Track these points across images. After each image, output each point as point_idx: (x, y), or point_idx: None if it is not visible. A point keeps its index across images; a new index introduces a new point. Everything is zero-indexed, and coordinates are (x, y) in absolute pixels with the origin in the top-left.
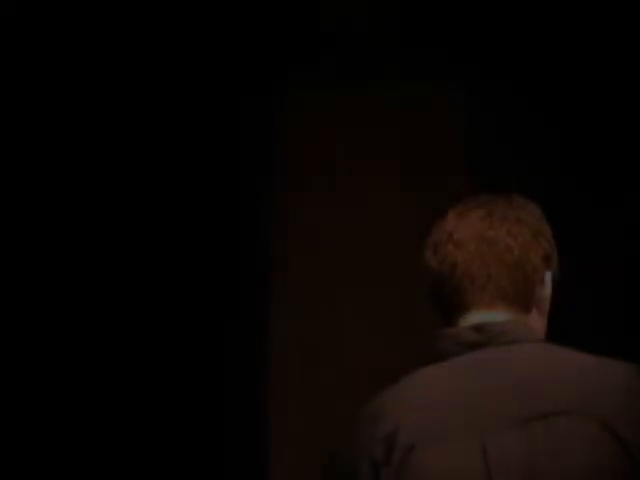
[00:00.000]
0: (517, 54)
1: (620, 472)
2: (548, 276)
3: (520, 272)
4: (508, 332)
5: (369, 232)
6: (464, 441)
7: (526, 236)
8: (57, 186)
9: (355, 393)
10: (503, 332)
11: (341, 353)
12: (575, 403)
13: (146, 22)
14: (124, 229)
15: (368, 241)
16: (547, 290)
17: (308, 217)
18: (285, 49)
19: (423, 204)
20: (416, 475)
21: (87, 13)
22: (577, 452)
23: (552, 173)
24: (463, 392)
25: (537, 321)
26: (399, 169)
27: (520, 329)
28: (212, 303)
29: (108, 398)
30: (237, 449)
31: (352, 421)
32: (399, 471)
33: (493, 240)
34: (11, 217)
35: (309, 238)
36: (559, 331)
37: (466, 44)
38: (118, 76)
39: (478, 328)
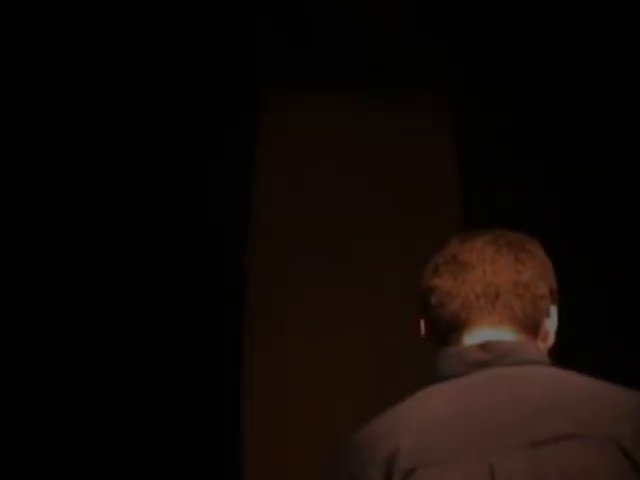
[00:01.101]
0: (507, 56)
1: None
2: (554, 310)
3: (529, 297)
4: (517, 352)
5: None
6: (469, 463)
7: (535, 266)
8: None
9: (330, 407)
10: (511, 352)
11: (313, 374)
12: (586, 426)
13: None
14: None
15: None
16: (553, 323)
17: (278, 231)
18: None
19: (408, 227)
20: None
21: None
22: (590, 475)
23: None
24: (468, 413)
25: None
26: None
27: (529, 350)
28: (179, 316)
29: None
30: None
31: (342, 445)
32: None
33: (502, 263)
34: None
35: (280, 249)
36: (575, 334)
37: (453, 45)
38: (116, 75)
39: (484, 346)
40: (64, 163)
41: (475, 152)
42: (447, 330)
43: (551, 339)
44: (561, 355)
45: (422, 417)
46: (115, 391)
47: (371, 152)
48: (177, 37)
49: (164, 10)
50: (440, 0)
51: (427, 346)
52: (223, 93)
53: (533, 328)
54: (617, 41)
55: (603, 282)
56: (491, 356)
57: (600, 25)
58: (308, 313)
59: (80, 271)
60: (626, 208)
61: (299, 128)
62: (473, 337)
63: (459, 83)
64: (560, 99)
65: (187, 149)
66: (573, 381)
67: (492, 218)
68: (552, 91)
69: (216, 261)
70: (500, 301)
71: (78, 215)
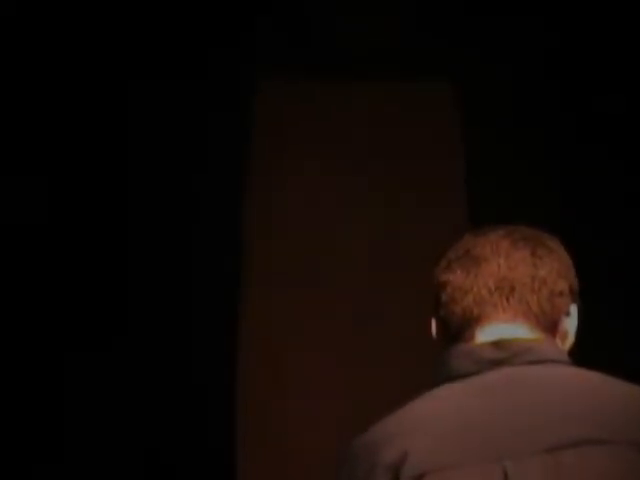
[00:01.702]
0: (507, 56)
1: None
2: (574, 309)
3: (546, 293)
4: (533, 350)
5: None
6: (481, 468)
7: (554, 262)
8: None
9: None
10: (527, 350)
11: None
12: (608, 431)
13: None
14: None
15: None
16: (573, 323)
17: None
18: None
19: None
20: None
21: None
22: None
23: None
24: (480, 415)
25: None
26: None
27: (547, 348)
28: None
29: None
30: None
31: (345, 450)
32: None
33: (517, 257)
34: None
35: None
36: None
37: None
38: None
39: (497, 344)
40: (64, 157)
41: (479, 148)
42: (458, 327)
43: (570, 340)
44: (576, 355)
45: (431, 420)
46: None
47: (371, 144)
48: (178, 35)
49: (165, 8)
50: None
51: (427, 345)
52: (222, 87)
53: (551, 326)
54: (617, 39)
55: (618, 282)
56: (505, 354)
57: (600, 24)
58: (306, 313)
59: (69, 274)
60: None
61: (298, 120)
62: (486, 334)
63: (459, 81)
64: (561, 98)
65: (182, 142)
66: (593, 382)
67: (499, 215)
68: (552, 90)
69: (208, 252)
70: (515, 296)
71: (68, 204)
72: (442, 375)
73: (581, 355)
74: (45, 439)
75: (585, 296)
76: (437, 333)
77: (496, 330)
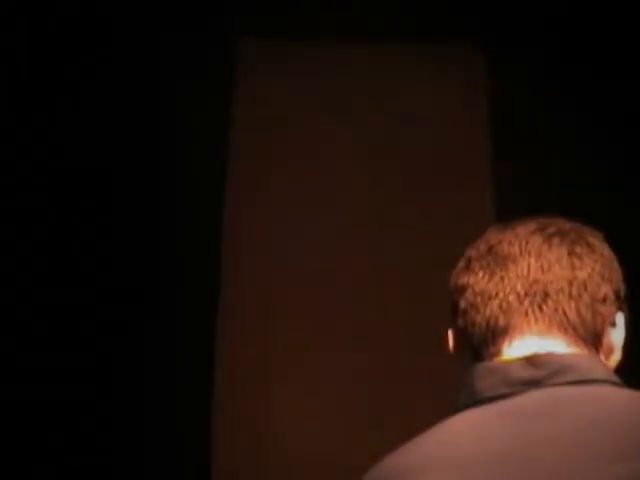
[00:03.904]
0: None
1: None
2: (621, 319)
3: (587, 299)
4: (576, 368)
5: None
6: None
7: (596, 262)
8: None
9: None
10: (569, 367)
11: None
12: None
13: None
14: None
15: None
16: (620, 335)
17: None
18: None
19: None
20: None
21: None
22: None
23: None
24: (515, 448)
25: None
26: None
27: (592, 365)
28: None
29: None
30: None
31: None
32: None
33: (552, 257)
34: None
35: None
36: None
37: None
38: None
39: (531, 360)
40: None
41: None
42: (481, 340)
43: (617, 355)
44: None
45: (456, 452)
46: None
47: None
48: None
49: None
50: None
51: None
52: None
53: (592, 339)
54: None
55: None
56: (542, 373)
57: None
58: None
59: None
60: None
61: (286, 80)
62: (515, 349)
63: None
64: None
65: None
66: None
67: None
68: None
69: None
70: (549, 303)
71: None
72: (464, 398)
73: (630, 373)
74: None
75: (635, 302)
76: (455, 347)
77: (527, 345)
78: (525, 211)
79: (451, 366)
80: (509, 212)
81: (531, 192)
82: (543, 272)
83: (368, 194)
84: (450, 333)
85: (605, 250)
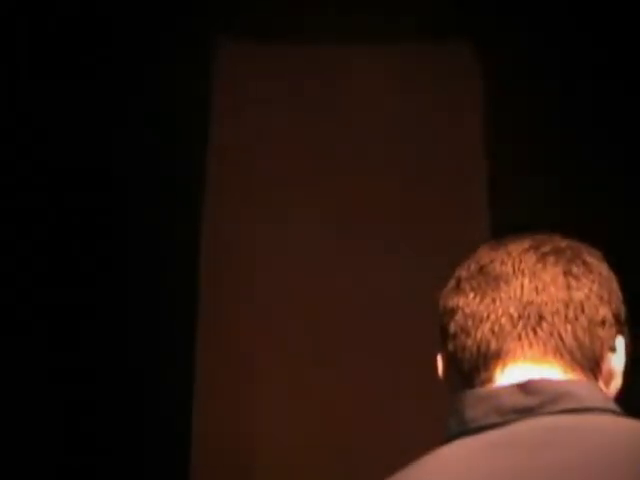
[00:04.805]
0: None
1: None
2: (621, 343)
3: (585, 322)
4: (572, 396)
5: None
6: None
7: (594, 282)
8: None
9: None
10: (565, 395)
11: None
12: None
13: None
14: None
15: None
16: (620, 360)
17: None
18: None
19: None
20: None
21: None
22: None
23: None
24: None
25: None
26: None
27: (589, 393)
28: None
29: None
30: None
31: None
32: None
33: (546, 277)
34: None
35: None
36: None
37: None
38: None
39: (524, 387)
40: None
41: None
42: (472, 366)
43: (617, 381)
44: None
45: None
46: None
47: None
48: None
49: None
50: None
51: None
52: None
53: (590, 365)
54: None
55: None
56: (536, 400)
57: None
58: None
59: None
60: None
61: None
62: (508, 376)
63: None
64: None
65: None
66: None
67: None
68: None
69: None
70: (544, 326)
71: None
72: (454, 427)
73: (630, 400)
74: None
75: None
76: (444, 372)
77: (521, 371)
78: (524, 213)
79: (436, 368)
80: (508, 213)
81: (530, 193)
82: (537, 293)
83: (364, 195)
84: (439, 358)
85: (604, 270)
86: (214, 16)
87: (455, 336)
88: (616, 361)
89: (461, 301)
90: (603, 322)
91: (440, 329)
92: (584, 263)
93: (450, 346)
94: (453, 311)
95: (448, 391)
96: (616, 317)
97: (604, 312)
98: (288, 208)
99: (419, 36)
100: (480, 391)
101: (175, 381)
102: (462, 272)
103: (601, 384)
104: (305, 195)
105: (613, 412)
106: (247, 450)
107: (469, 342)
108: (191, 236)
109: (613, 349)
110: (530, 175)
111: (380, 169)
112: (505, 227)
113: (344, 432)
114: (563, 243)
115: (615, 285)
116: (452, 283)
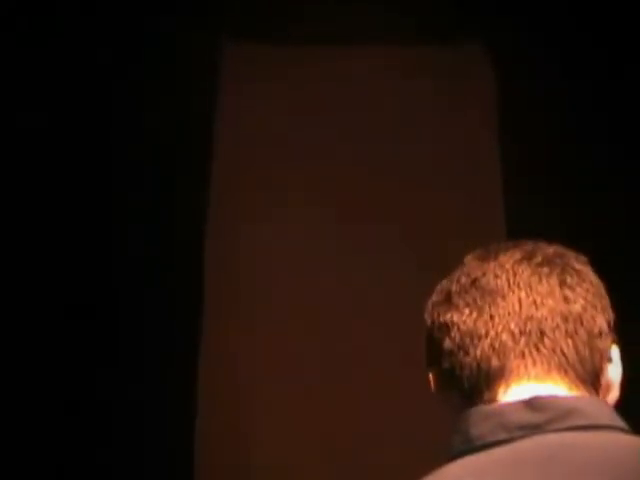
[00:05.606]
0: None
1: None
2: (616, 353)
3: (584, 335)
4: (580, 412)
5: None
6: None
7: (587, 292)
8: None
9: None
10: (572, 412)
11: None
12: None
13: None
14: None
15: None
16: (617, 371)
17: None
18: None
19: None
20: None
21: None
22: None
23: None
24: None
25: None
26: None
27: (597, 409)
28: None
29: None
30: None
31: None
32: None
33: (543, 289)
34: None
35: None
36: None
37: None
38: None
39: (531, 404)
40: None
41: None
42: (473, 384)
43: (615, 392)
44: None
45: None
46: None
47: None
48: None
49: None
50: None
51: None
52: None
53: (592, 379)
54: None
55: None
56: (543, 417)
57: None
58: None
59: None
60: None
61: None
62: (510, 396)
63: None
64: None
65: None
66: None
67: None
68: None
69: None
70: (546, 343)
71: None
72: (458, 446)
73: (627, 411)
74: None
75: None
76: (439, 388)
77: (526, 391)
78: (533, 212)
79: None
80: (508, 213)
81: (530, 193)
82: (537, 308)
83: (365, 196)
84: (432, 374)
85: (593, 277)
86: (216, 17)
87: (452, 353)
88: (613, 372)
89: (455, 317)
90: (600, 333)
91: (430, 343)
92: (575, 272)
93: (446, 364)
94: (447, 327)
95: (444, 406)
96: (609, 325)
97: (600, 322)
98: (289, 208)
99: (419, 36)
100: (485, 408)
101: (177, 383)
102: (452, 285)
103: (601, 397)
104: (306, 195)
105: (621, 429)
106: (247, 450)
107: (468, 360)
108: (194, 236)
109: (610, 360)
110: (530, 175)
111: (380, 169)
112: (505, 227)
113: (344, 433)
114: (550, 250)
115: (604, 291)
116: (441, 296)
